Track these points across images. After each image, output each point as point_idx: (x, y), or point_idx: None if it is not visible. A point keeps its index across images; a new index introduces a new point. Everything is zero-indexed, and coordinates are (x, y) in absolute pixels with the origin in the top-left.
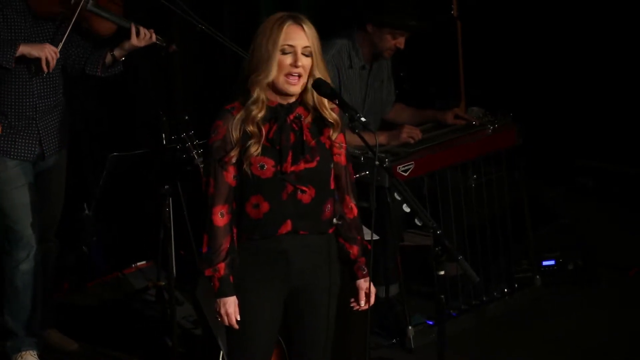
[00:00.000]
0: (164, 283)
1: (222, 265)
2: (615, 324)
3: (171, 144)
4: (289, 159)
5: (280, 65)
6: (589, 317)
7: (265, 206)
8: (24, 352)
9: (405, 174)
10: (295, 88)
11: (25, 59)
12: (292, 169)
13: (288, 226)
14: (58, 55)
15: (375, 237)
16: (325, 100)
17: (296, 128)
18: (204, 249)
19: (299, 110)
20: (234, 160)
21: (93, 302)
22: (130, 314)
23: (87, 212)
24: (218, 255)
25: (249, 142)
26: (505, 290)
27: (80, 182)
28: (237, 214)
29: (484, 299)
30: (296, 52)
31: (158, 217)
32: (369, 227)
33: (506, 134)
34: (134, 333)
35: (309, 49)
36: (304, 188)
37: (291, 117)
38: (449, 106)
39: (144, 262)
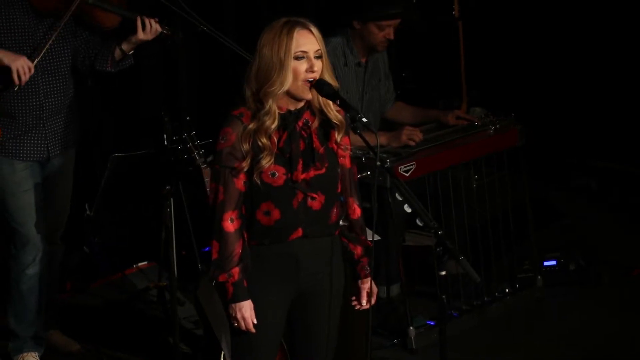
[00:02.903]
0: (165, 283)
1: (236, 270)
2: (617, 325)
3: (173, 145)
4: (300, 167)
5: (295, 73)
6: (591, 317)
7: (276, 213)
8: (25, 354)
9: (407, 175)
10: (312, 92)
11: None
12: (303, 176)
13: (299, 232)
14: (32, 70)
15: (377, 238)
16: (331, 102)
17: (305, 135)
18: (214, 256)
19: (306, 115)
20: (245, 169)
21: (95, 303)
22: (132, 314)
23: (88, 212)
24: (231, 260)
25: (261, 155)
26: (507, 290)
27: (81, 182)
28: (246, 219)
29: (486, 299)
30: (310, 57)
31: (160, 217)
32: (370, 228)
33: (508, 134)
34: (136, 334)
35: (319, 51)
36: (314, 195)
37: (300, 123)
38: (452, 106)
39: (145, 263)
